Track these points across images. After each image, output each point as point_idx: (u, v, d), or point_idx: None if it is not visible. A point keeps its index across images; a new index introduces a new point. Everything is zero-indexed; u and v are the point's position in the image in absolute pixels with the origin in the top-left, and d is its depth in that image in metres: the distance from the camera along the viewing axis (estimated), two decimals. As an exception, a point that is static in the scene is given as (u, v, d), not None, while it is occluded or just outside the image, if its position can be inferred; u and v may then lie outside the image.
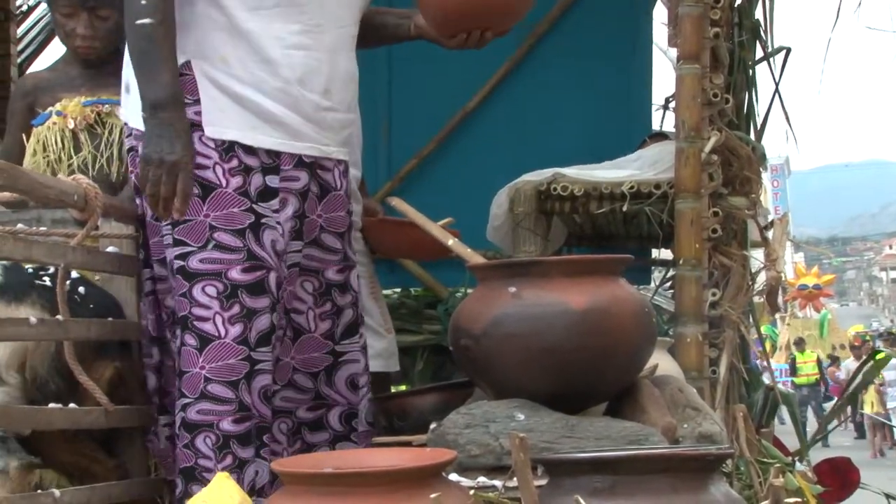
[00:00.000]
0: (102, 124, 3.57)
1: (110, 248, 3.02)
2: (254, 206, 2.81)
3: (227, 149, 2.81)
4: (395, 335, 4.11)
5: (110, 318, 2.93)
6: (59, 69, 3.73)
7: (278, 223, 2.85)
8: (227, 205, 2.78)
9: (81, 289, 2.95)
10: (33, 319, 2.62)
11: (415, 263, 5.19)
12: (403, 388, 4.82)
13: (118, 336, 2.97)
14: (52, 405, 2.73)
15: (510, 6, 3.05)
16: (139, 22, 2.68)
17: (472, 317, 2.70)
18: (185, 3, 2.80)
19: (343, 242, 3.04)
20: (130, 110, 2.90)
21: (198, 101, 2.80)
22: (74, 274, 2.95)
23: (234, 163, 2.80)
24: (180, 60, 2.78)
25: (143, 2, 2.68)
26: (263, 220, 2.81)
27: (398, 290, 5.32)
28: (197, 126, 2.79)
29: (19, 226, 2.98)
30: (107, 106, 3.55)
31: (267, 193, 2.84)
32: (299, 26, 2.85)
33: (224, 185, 2.79)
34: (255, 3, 2.81)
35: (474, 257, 3.12)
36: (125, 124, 2.98)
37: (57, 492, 2.59)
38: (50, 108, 3.59)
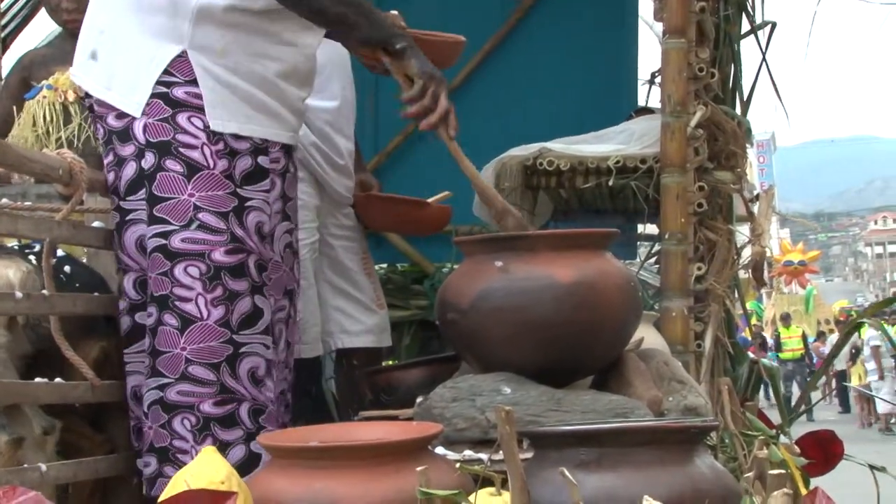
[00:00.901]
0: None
1: (96, 223, 3.02)
2: (238, 189, 2.82)
3: (216, 131, 2.82)
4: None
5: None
6: (56, 45, 3.79)
7: (267, 203, 2.87)
8: (213, 187, 2.78)
9: (67, 267, 2.94)
10: (19, 294, 2.61)
11: (401, 239, 5.20)
12: (391, 362, 4.83)
13: (104, 311, 2.96)
14: (38, 379, 2.72)
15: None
16: None
17: (458, 291, 2.71)
18: (186, 2, 2.80)
19: (296, 220, 3.13)
20: (95, 79, 2.89)
21: (192, 83, 2.80)
22: (60, 252, 2.95)
23: (221, 146, 2.81)
24: (176, 51, 2.80)
25: None
26: (248, 203, 2.83)
27: (385, 265, 5.32)
28: (186, 106, 2.80)
29: (4, 200, 2.97)
30: None
31: (255, 175, 2.86)
32: (291, 24, 2.90)
33: (211, 166, 2.79)
34: (247, 2, 2.83)
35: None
36: (86, 94, 2.94)
37: (44, 466, 2.59)
38: (43, 82, 3.61)
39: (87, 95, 2.93)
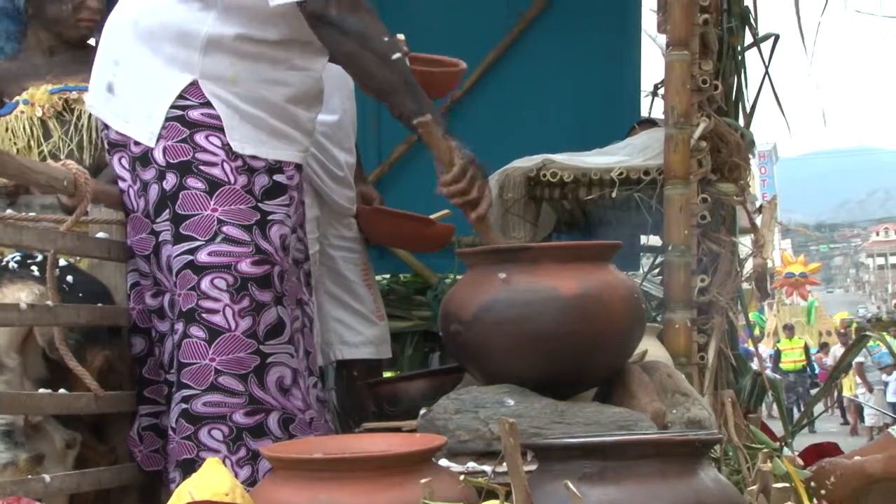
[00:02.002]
0: (70, 111, 3.58)
1: (100, 234, 3.02)
2: (259, 204, 2.86)
3: (235, 151, 2.86)
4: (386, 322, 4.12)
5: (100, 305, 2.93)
6: (22, 59, 3.73)
7: (288, 216, 2.92)
8: (235, 201, 2.82)
9: (70, 277, 2.95)
10: (23, 305, 2.61)
11: (404, 251, 5.19)
12: (392, 374, 4.83)
13: (108, 322, 2.96)
14: (42, 390, 2.72)
15: None
16: (394, 57, 2.82)
17: (461, 303, 2.71)
18: (193, 28, 2.84)
19: (302, 229, 3.16)
20: (115, 112, 2.94)
21: (206, 104, 2.85)
22: (63, 262, 2.95)
23: (240, 162, 2.86)
24: (188, 80, 2.85)
25: (386, 39, 2.83)
26: (270, 217, 2.87)
27: (387, 275, 5.32)
28: (203, 126, 2.84)
29: (9, 211, 2.97)
30: (74, 92, 3.57)
31: (274, 190, 2.90)
32: (299, 50, 2.95)
33: (232, 181, 2.83)
34: (261, 33, 2.88)
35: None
36: (105, 126, 2.98)
37: (47, 477, 2.59)
38: (17, 98, 3.59)
39: (106, 126, 2.98)
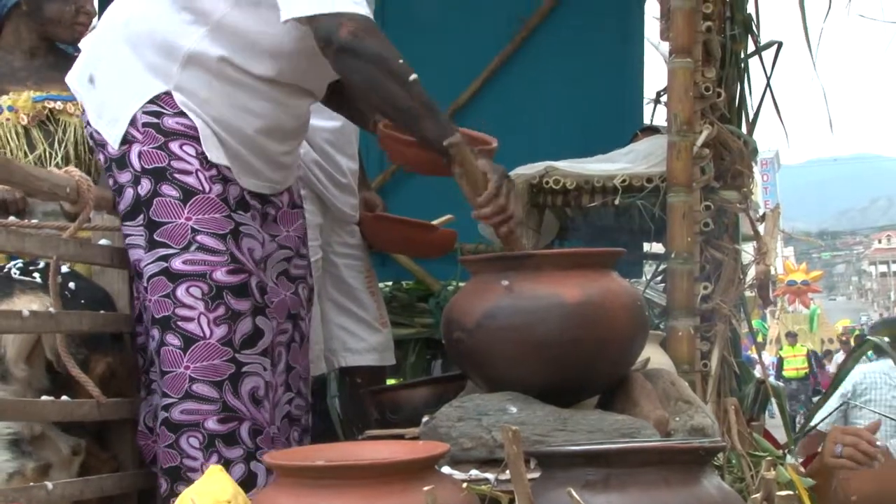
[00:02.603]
0: (55, 122, 3.55)
1: (103, 241, 3.02)
2: (233, 214, 2.85)
3: (207, 157, 2.84)
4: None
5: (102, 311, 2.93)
6: (4, 61, 3.67)
7: (258, 230, 2.91)
8: (209, 209, 2.81)
9: (72, 284, 2.95)
10: (25, 312, 2.61)
11: (407, 256, 5.19)
12: (394, 381, 4.83)
13: (110, 329, 2.96)
14: (44, 397, 2.72)
15: None
16: (412, 79, 2.71)
17: (464, 310, 2.71)
18: (177, 40, 2.83)
19: (304, 247, 3.15)
20: (91, 104, 2.93)
21: (181, 115, 2.83)
22: (65, 269, 2.95)
23: (214, 171, 2.84)
24: (161, 88, 2.83)
25: (401, 61, 2.71)
26: (242, 228, 2.86)
27: (390, 283, 5.32)
28: (178, 134, 2.82)
29: (11, 218, 2.97)
30: (58, 103, 3.54)
31: (243, 204, 2.90)
32: (285, 89, 2.93)
33: (206, 190, 2.82)
34: (246, 63, 2.85)
35: None
36: (94, 132, 2.94)
37: (50, 484, 2.59)
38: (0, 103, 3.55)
39: (88, 123, 2.97)
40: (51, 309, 2.69)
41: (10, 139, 3.51)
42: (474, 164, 2.73)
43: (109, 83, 2.91)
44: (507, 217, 2.76)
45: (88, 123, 2.95)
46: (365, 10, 2.73)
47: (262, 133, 2.93)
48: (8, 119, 3.52)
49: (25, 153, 3.50)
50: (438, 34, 5.14)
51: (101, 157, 2.92)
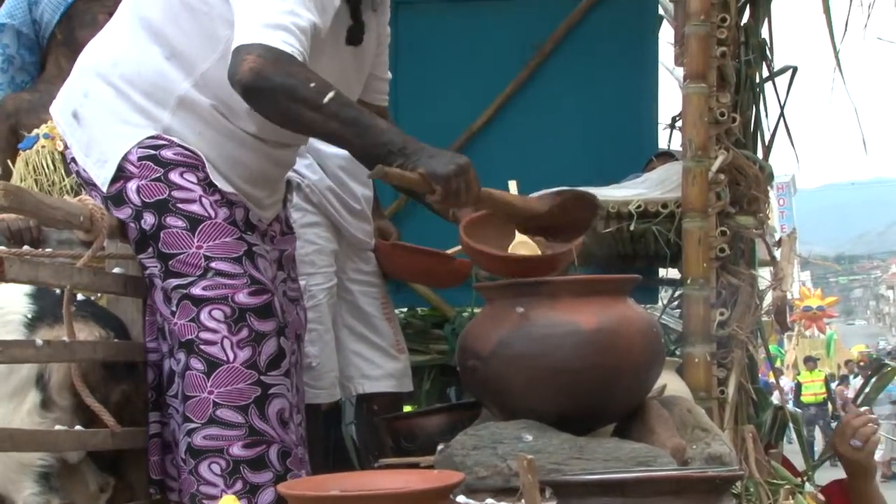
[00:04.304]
0: None
1: (116, 269, 3.02)
2: (244, 235, 2.84)
3: (210, 183, 2.84)
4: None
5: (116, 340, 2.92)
6: (41, 90, 3.69)
7: (267, 251, 2.91)
8: (219, 235, 2.80)
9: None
10: (39, 341, 2.61)
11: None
12: (409, 408, 4.81)
13: (124, 357, 2.95)
14: (58, 427, 2.71)
15: None
16: (326, 101, 2.55)
17: (479, 337, 2.69)
18: (168, 86, 2.82)
19: (295, 271, 3.18)
20: (78, 142, 2.91)
21: (178, 146, 2.82)
22: (80, 297, 2.94)
23: (218, 196, 2.83)
24: (148, 133, 2.82)
25: (312, 85, 2.56)
26: (255, 249, 2.85)
27: (405, 309, 5.30)
28: (177, 164, 2.81)
29: (25, 247, 2.97)
30: None
31: (251, 225, 2.90)
32: (273, 143, 2.92)
33: (213, 216, 2.81)
34: (234, 116, 2.84)
35: None
36: (81, 170, 2.92)
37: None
38: (36, 131, 3.58)
39: (73, 160, 2.95)
40: (64, 338, 2.69)
41: (45, 165, 3.53)
42: (413, 180, 2.56)
43: (96, 122, 2.88)
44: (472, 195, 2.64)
45: (74, 160, 2.94)
46: (296, 35, 2.59)
47: (247, 182, 2.91)
48: (44, 146, 3.55)
49: (61, 178, 3.52)
50: (453, 61, 5.14)
51: (94, 195, 2.90)
